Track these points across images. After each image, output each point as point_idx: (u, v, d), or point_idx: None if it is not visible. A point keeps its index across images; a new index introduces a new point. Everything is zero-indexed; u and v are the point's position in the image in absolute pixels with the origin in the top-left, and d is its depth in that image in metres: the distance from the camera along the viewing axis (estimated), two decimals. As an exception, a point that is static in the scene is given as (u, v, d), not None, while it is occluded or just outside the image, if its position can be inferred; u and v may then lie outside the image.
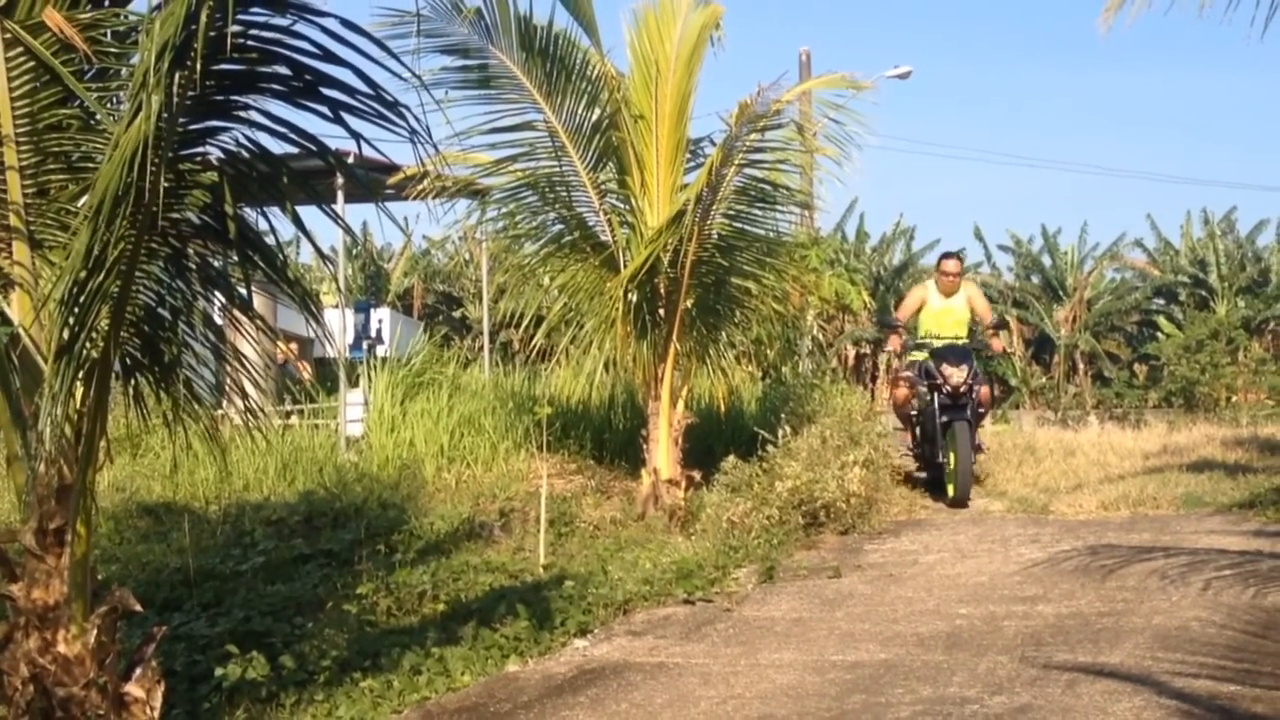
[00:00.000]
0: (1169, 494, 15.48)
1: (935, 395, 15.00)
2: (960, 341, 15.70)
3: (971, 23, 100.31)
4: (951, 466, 14.96)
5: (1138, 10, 10.08)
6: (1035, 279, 54.29)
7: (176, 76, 5.10)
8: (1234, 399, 34.52)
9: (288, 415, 17.32)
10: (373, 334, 22.90)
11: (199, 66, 5.06)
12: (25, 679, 5.78)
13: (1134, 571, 11.02)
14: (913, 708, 7.27)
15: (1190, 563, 11.21)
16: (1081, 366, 52.25)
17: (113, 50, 6.14)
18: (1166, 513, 14.77)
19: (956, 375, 14.85)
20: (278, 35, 5.42)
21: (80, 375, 5.73)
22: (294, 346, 20.35)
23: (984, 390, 15.81)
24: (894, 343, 16.48)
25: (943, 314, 15.83)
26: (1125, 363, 52.67)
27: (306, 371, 20.62)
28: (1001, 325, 17.05)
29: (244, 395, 7.00)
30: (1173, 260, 53.83)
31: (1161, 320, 51.69)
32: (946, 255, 16.74)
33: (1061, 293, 52.96)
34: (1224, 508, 14.71)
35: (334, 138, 5.81)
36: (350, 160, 7.56)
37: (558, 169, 14.55)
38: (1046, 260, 54.33)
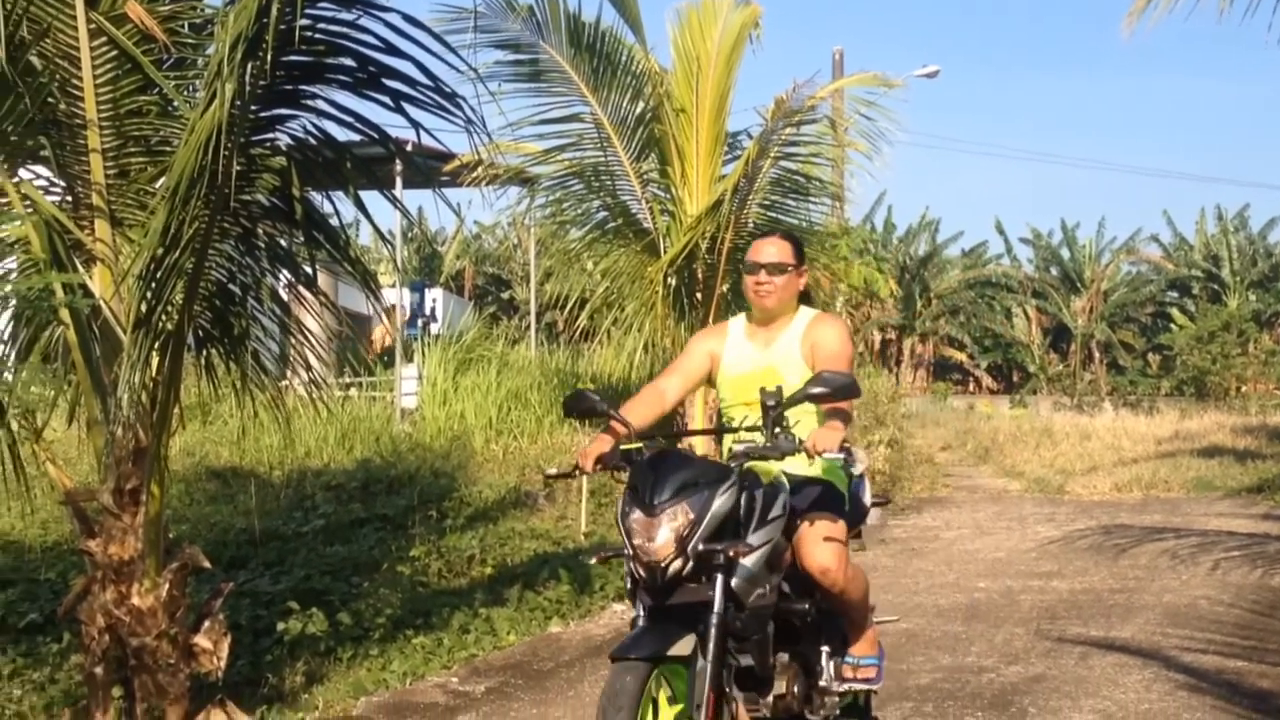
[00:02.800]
0: (1180, 478, 15.40)
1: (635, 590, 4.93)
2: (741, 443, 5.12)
3: (997, 26, 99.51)
4: None
5: (1160, 15, 9.98)
6: (1054, 271, 53.92)
7: (249, 67, 5.12)
8: (1244, 389, 34.21)
9: (347, 387, 17.39)
10: (427, 312, 22.96)
11: (270, 57, 5.07)
12: (101, 629, 5.83)
13: (1145, 551, 10.97)
14: (933, 675, 7.26)
15: (1200, 544, 11.16)
16: (1097, 355, 51.90)
17: (189, 41, 6.16)
18: (1177, 495, 14.70)
19: (658, 538, 4.66)
20: (344, 29, 5.44)
21: (156, 346, 5.77)
22: (386, 324, 20.30)
23: (836, 574, 5.15)
24: (585, 459, 5.10)
25: (746, 385, 5.33)
26: (1139, 352, 52.31)
27: (389, 336, 20.58)
28: (830, 395, 4.42)
29: (307, 367, 7.03)
30: (1187, 255, 53.38)
31: (1175, 312, 51.31)
32: (765, 236, 6.08)
33: (1079, 284, 52.60)
34: (1233, 492, 14.63)
35: (394, 126, 5.84)
36: (409, 148, 7.56)
37: (603, 159, 14.54)
38: (1065, 253, 53.95)
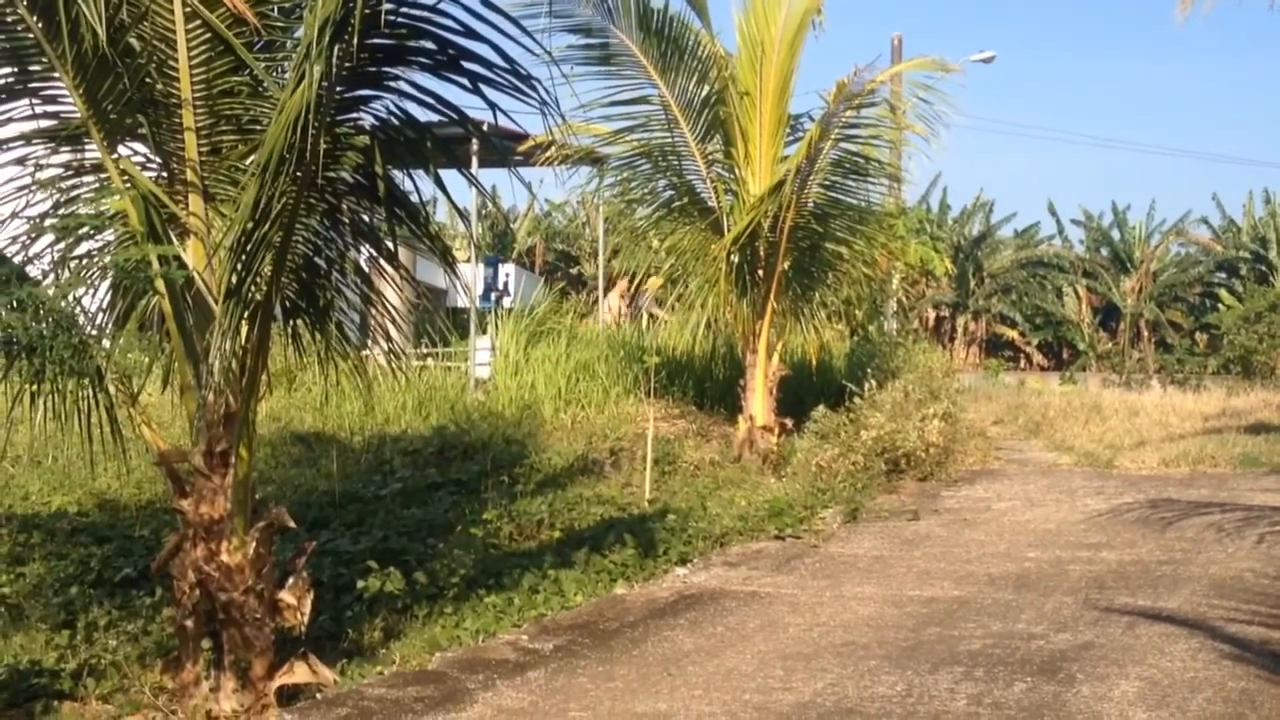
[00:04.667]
0: (1227, 454, 15.16)
1: None
2: None
3: (1052, 11, 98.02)
4: None
5: (1213, 3, 9.80)
6: (1104, 251, 53.18)
7: (336, 49, 5.14)
8: (1290, 368, 33.53)
9: (424, 357, 17.48)
10: (500, 286, 23.01)
11: (355, 40, 5.09)
12: (192, 584, 5.90)
13: (1192, 524, 10.82)
14: (983, 641, 7.20)
15: (1246, 518, 11.00)
16: (1145, 333, 51.21)
17: (279, 24, 6.19)
18: (1224, 471, 14.48)
19: None
20: (425, 13, 5.44)
21: (245, 315, 5.81)
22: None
23: None
24: None
25: None
26: (1187, 331, 51.51)
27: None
28: None
29: (387, 338, 7.06)
30: (1235, 237, 52.43)
31: (1222, 293, 50.42)
32: None
33: (1129, 264, 51.85)
34: (1279, 468, 14.38)
35: (471, 107, 5.84)
36: (486, 128, 7.57)
37: (669, 140, 14.55)
38: (1116, 234, 53.17)
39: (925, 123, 14.23)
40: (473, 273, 20.04)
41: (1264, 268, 50.73)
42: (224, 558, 5.89)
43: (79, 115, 5.95)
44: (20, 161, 6.21)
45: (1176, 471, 14.46)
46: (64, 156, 6.25)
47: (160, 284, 5.81)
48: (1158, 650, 6.97)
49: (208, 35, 5.90)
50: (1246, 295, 45.89)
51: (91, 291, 6.22)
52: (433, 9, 5.42)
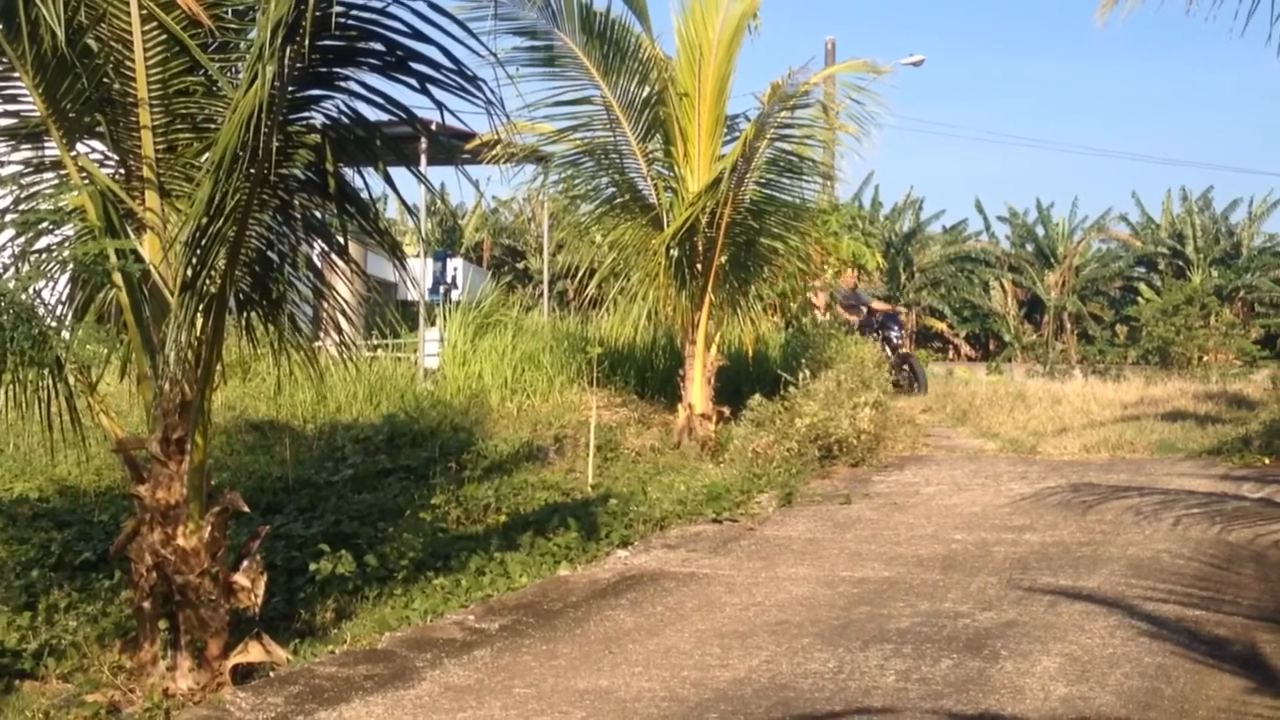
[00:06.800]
0: (1145, 440, 15.39)
1: None
2: None
3: (979, 17, 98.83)
4: None
5: (1132, 6, 9.96)
6: (1029, 247, 53.74)
7: (288, 50, 5.15)
8: (1205, 358, 34.03)
9: (375, 348, 17.42)
10: (448, 280, 22.95)
11: (307, 42, 5.11)
12: (149, 567, 5.91)
13: (1112, 507, 11.00)
14: (911, 619, 7.32)
15: (1162, 501, 11.18)
16: (1068, 326, 51.84)
17: (233, 26, 6.18)
18: (1142, 456, 14.71)
19: None
20: (374, 15, 5.47)
21: (200, 307, 5.82)
22: None
23: None
24: None
25: None
26: (1108, 323, 52.18)
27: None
28: None
29: (339, 329, 7.08)
30: (1154, 233, 53.17)
31: (1142, 286, 51.13)
32: None
33: (1052, 260, 52.44)
34: (1194, 454, 14.62)
35: (419, 107, 5.87)
36: (434, 127, 7.58)
37: (611, 139, 14.58)
38: (1040, 230, 53.75)
39: (857, 123, 14.33)
40: (422, 267, 20.00)
41: (1181, 263, 51.51)
42: (180, 541, 5.89)
43: (38, 114, 5.93)
44: (-20, 159, 6.18)
45: (1097, 457, 14.68)
46: (24, 154, 6.22)
47: (118, 277, 5.79)
48: (1078, 628, 7.10)
49: (164, 36, 5.89)
50: (1164, 289, 46.64)
51: (51, 284, 6.20)
52: (381, 11, 5.45)
